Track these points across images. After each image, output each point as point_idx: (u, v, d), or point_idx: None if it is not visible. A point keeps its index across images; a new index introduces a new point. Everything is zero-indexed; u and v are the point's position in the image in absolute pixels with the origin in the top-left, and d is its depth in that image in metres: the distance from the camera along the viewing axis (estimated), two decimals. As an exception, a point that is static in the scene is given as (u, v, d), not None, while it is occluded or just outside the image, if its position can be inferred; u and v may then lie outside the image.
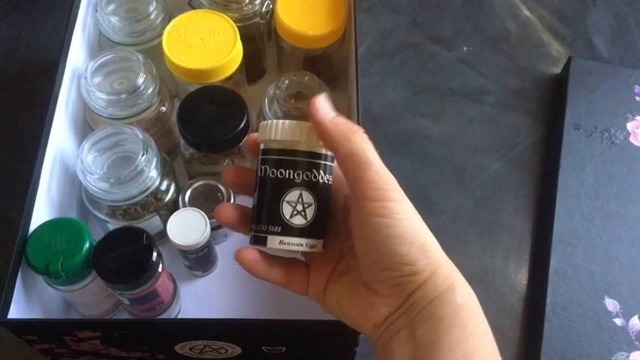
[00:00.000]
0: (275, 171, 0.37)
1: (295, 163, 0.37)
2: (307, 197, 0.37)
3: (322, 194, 0.38)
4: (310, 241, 0.38)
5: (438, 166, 0.68)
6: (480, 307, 0.37)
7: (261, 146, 0.38)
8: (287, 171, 0.37)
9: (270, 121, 0.37)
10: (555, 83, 0.73)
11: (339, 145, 0.35)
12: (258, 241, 0.38)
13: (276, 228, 0.37)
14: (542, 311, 0.58)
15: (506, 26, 0.78)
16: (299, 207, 0.38)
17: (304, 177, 0.37)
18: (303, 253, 0.40)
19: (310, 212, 0.38)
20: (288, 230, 0.37)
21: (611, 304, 0.59)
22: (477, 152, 0.69)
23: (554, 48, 0.76)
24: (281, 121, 0.37)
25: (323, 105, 0.36)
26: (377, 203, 0.35)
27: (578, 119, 0.68)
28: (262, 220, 0.38)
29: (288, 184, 0.37)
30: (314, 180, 0.37)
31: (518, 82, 0.74)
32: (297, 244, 0.37)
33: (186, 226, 0.52)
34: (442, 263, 0.36)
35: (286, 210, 0.37)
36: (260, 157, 0.38)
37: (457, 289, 0.36)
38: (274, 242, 0.37)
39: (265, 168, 0.38)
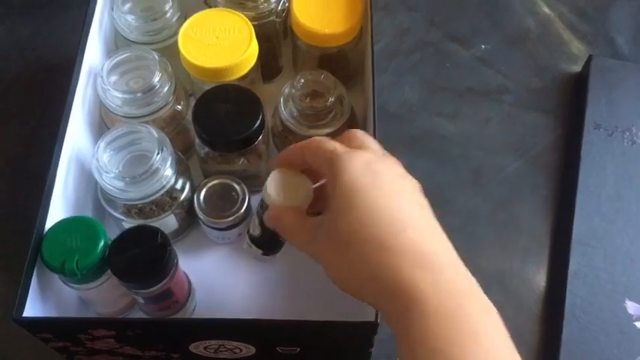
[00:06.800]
0: None
1: None
2: None
3: None
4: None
5: (455, 166, 0.67)
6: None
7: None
8: None
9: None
10: (575, 82, 0.72)
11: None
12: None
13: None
14: (561, 314, 0.57)
15: (525, 24, 0.77)
16: None
17: None
18: None
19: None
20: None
21: (632, 307, 0.57)
22: (495, 152, 0.68)
23: (574, 46, 0.75)
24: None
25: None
26: None
27: (599, 118, 0.67)
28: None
29: None
30: None
31: (538, 80, 0.73)
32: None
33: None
34: (402, 279, 0.36)
35: None
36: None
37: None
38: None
39: None
